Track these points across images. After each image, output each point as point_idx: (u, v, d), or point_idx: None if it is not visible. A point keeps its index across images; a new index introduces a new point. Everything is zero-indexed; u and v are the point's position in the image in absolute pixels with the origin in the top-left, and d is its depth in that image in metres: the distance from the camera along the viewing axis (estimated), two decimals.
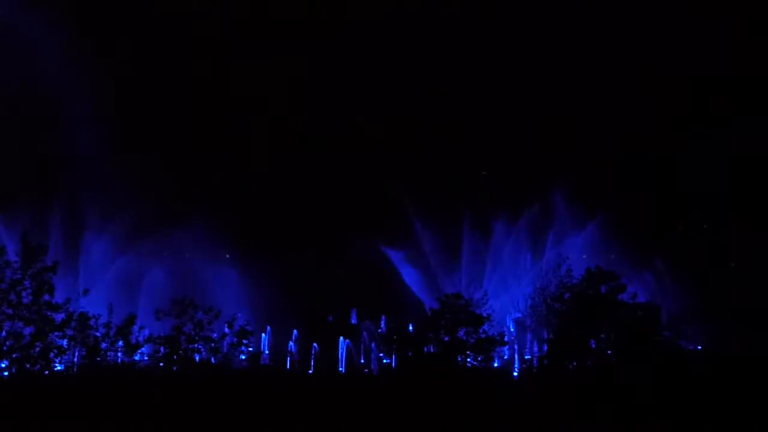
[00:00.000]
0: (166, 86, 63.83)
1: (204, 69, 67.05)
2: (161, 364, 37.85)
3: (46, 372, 35.03)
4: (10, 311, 34.85)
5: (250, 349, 41.08)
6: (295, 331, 51.23)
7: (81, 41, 55.26)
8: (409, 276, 59.29)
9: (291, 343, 50.41)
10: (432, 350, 42.38)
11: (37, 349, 34.95)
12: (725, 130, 62.09)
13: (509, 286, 52.68)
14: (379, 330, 53.87)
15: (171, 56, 64.34)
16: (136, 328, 37.64)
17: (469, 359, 41.80)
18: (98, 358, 36.57)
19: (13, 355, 34.58)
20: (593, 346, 39.38)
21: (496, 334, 42.72)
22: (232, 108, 67.55)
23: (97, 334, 36.78)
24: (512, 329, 47.28)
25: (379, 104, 68.33)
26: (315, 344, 49.55)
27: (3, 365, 34.94)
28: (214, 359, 38.49)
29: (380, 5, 67.26)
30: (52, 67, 52.94)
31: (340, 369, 49.21)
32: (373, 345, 50.95)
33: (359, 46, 66.85)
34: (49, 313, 35.45)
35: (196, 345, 38.13)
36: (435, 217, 62.34)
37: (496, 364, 44.32)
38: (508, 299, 49.35)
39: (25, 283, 35.23)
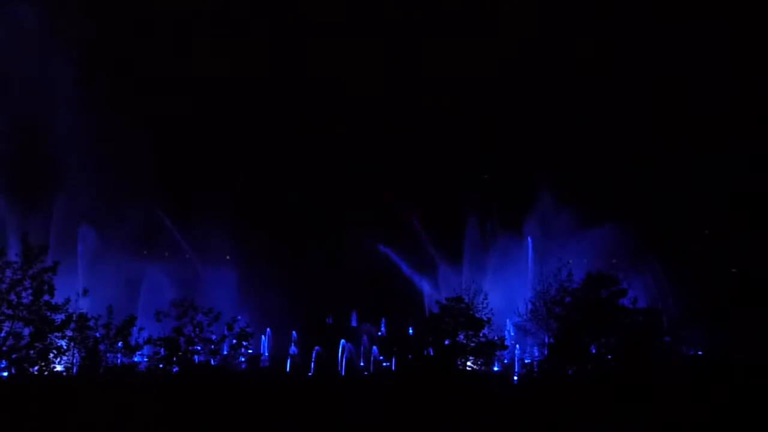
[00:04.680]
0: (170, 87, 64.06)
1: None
2: (161, 365, 37.75)
3: (46, 372, 34.92)
4: (9, 311, 34.76)
5: (250, 351, 40.94)
6: (294, 333, 51.19)
7: None
8: (410, 278, 59.22)
9: (293, 347, 50.38)
10: (432, 353, 42.25)
11: (37, 349, 34.84)
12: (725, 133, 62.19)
13: (510, 290, 52.55)
14: (380, 333, 53.83)
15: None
16: (135, 329, 37.49)
17: (469, 363, 41.68)
18: (98, 359, 36.44)
19: (13, 356, 34.48)
20: (594, 350, 39.28)
21: (496, 338, 42.61)
22: (229, 109, 67.65)
23: (97, 335, 36.65)
24: (512, 333, 47.14)
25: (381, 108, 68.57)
26: (317, 347, 49.50)
27: (2, 365, 34.85)
28: (214, 361, 38.35)
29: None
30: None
31: (340, 371, 49.17)
32: (373, 347, 50.90)
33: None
34: (48, 314, 35.34)
35: (195, 347, 38.00)
36: (436, 219, 62.34)
37: (496, 368, 44.19)
38: (509, 303, 49.22)
39: (25, 283, 35.12)
